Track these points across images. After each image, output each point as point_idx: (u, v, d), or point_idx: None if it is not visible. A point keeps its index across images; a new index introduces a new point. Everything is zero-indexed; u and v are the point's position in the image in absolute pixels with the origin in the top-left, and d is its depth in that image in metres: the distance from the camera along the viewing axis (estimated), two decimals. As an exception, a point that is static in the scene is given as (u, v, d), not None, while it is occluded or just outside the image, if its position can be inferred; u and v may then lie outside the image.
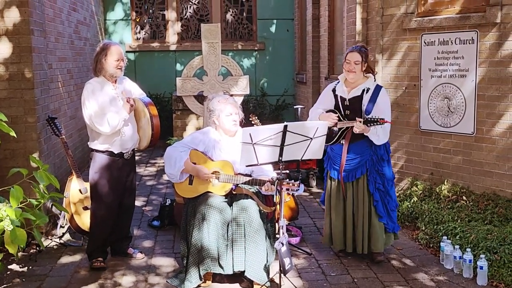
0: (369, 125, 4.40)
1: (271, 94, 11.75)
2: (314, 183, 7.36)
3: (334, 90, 4.70)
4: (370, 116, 4.47)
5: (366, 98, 4.58)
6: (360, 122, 4.39)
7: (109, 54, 4.45)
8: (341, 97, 4.64)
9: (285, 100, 11.69)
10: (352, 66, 4.53)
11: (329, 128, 4.47)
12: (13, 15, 5.06)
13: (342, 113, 4.62)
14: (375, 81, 4.70)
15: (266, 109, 11.61)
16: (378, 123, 4.38)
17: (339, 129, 4.56)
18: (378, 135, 4.53)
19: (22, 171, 4.26)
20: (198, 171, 4.29)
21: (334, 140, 4.61)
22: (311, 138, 3.95)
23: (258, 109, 11.41)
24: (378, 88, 4.62)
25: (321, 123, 4.02)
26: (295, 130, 3.87)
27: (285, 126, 3.82)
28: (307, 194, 7.01)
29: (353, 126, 4.46)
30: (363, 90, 4.59)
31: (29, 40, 5.13)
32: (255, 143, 3.82)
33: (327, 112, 4.66)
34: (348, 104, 4.62)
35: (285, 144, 3.89)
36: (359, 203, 4.66)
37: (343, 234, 4.76)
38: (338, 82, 4.73)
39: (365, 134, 4.48)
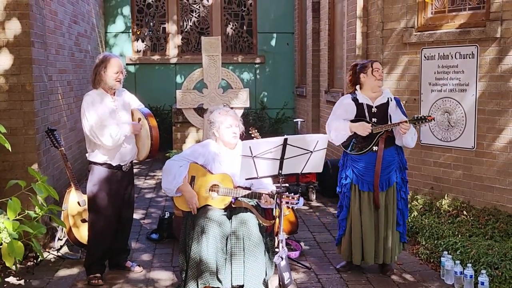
0: (416, 123, 4.43)
1: (271, 107, 11.76)
2: (313, 196, 7.33)
3: (355, 100, 4.63)
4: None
5: (392, 105, 4.61)
6: (407, 122, 4.41)
7: (109, 66, 4.45)
8: (367, 105, 4.60)
9: (285, 113, 11.70)
10: (381, 73, 4.58)
11: (356, 137, 4.50)
12: (14, 27, 5.07)
13: (369, 121, 4.59)
14: None
15: (266, 122, 11.61)
16: (427, 120, 4.41)
17: (374, 134, 4.51)
18: (412, 137, 4.56)
19: (20, 183, 4.24)
20: (190, 198, 4.28)
21: (368, 148, 4.54)
22: (311, 152, 3.93)
23: (258, 122, 11.42)
24: (398, 100, 4.70)
25: (322, 136, 3.99)
26: (295, 144, 3.85)
27: (285, 140, 3.81)
28: (306, 207, 6.98)
29: (386, 131, 4.48)
30: (388, 98, 4.62)
31: (29, 52, 5.14)
32: (255, 156, 3.80)
33: (352, 121, 4.59)
34: (375, 111, 4.59)
35: (285, 157, 3.87)
36: (388, 213, 4.61)
37: (373, 247, 4.65)
38: (353, 95, 4.66)
39: (404, 135, 4.46)
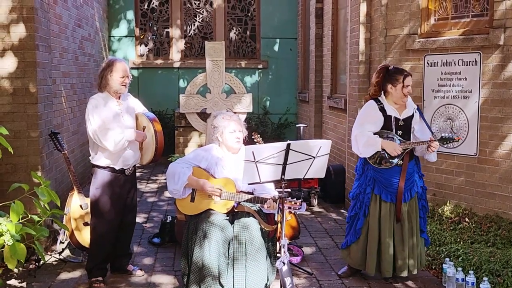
0: (445, 143, 4.47)
1: (273, 112, 11.77)
2: (315, 202, 7.33)
3: (383, 110, 4.54)
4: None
5: (416, 117, 4.61)
6: (435, 141, 4.43)
7: (115, 70, 4.47)
8: (395, 118, 4.54)
9: (288, 118, 11.71)
10: (411, 90, 4.52)
11: (383, 154, 4.48)
12: (19, 31, 5.10)
13: (394, 133, 4.55)
14: None
15: (268, 127, 11.62)
16: (454, 140, 4.44)
17: (403, 149, 4.49)
18: (435, 153, 4.58)
19: (23, 186, 4.26)
20: (203, 185, 4.27)
21: (395, 163, 4.50)
22: (314, 157, 3.94)
23: (260, 127, 11.43)
24: (419, 110, 4.69)
25: (325, 142, 3.99)
26: (298, 149, 3.86)
27: (288, 145, 3.82)
28: (308, 213, 6.98)
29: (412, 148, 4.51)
30: (413, 110, 4.60)
31: (34, 55, 5.16)
32: (257, 161, 3.81)
33: (375, 134, 4.53)
34: (401, 124, 4.56)
35: (287, 162, 3.87)
36: (413, 223, 4.59)
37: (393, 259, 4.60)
38: (379, 103, 4.56)
39: (430, 152, 4.50)
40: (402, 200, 4.53)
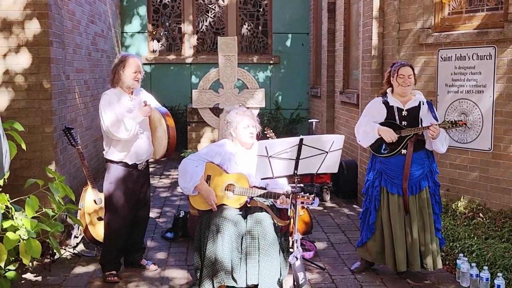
0: (447, 127, 4.41)
1: (285, 107, 11.76)
2: (328, 197, 7.32)
3: (385, 103, 4.61)
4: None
5: (424, 109, 4.58)
6: (437, 125, 4.38)
7: (127, 65, 4.49)
8: (397, 108, 4.58)
9: (300, 114, 11.69)
10: (407, 80, 4.51)
11: (382, 141, 4.51)
12: (33, 27, 5.13)
13: (399, 124, 4.56)
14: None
15: (280, 122, 11.61)
16: (458, 125, 4.37)
17: (403, 137, 4.50)
18: (442, 143, 4.52)
19: (38, 182, 4.30)
20: (207, 195, 4.29)
21: (396, 151, 4.51)
22: (327, 152, 3.93)
23: (273, 122, 11.42)
24: (431, 103, 4.66)
25: (338, 137, 3.99)
26: (310, 144, 3.85)
27: (301, 140, 3.81)
28: (321, 208, 6.97)
29: (416, 134, 4.46)
30: (420, 102, 4.59)
31: (48, 51, 5.19)
32: (270, 156, 3.81)
33: (381, 124, 4.58)
34: (405, 114, 4.57)
35: (300, 157, 3.87)
36: (424, 218, 4.54)
37: (406, 253, 4.56)
38: (384, 97, 4.65)
39: (432, 140, 4.44)
40: (409, 192, 4.50)
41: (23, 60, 5.16)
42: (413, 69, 4.58)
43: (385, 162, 4.57)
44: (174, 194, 7.75)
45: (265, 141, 3.84)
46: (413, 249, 4.53)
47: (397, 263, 4.55)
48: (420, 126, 4.53)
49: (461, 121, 4.39)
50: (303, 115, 11.69)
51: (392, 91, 4.62)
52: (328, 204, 7.22)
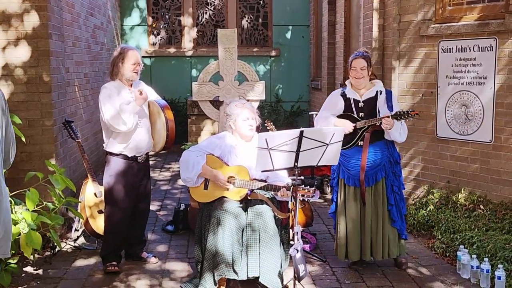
0: (399, 118, 4.37)
1: (286, 100, 11.74)
2: (328, 189, 7.32)
3: (343, 95, 4.63)
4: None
5: (381, 99, 4.55)
6: (389, 117, 4.35)
7: (126, 58, 4.48)
8: (354, 99, 4.58)
9: (300, 106, 11.67)
10: (359, 72, 4.50)
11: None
12: (32, 19, 5.11)
13: (356, 115, 4.57)
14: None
15: (281, 115, 11.59)
16: (410, 115, 4.34)
17: (359, 129, 4.50)
18: (400, 132, 4.50)
19: (38, 174, 4.30)
20: (215, 176, 4.28)
21: (352, 143, 4.53)
22: (327, 144, 3.93)
23: (273, 115, 11.41)
24: (389, 92, 4.62)
25: (338, 129, 3.99)
26: (311, 136, 3.85)
27: (301, 132, 3.80)
28: (321, 200, 6.97)
29: (372, 125, 4.43)
30: (377, 92, 4.57)
31: (47, 44, 5.18)
32: (271, 149, 3.81)
33: (338, 116, 4.60)
34: (362, 106, 4.57)
35: (301, 150, 3.86)
36: (378, 208, 4.57)
37: (360, 243, 4.62)
38: (344, 88, 4.67)
39: (388, 131, 4.42)
40: (366, 183, 4.50)
41: (22, 53, 5.15)
42: (368, 60, 4.54)
43: (343, 154, 4.53)
44: (175, 187, 7.75)
45: (265, 134, 3.83)
46: (373, 239, 4.56)
47: (350, 254, 4.60)
48: (378, 116, 4.50)
49: (413, 111, 4.35)
50: (303, 108, 11.67)
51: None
52: (329, 196, 7.22)
